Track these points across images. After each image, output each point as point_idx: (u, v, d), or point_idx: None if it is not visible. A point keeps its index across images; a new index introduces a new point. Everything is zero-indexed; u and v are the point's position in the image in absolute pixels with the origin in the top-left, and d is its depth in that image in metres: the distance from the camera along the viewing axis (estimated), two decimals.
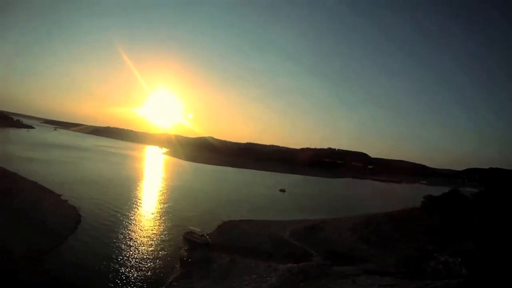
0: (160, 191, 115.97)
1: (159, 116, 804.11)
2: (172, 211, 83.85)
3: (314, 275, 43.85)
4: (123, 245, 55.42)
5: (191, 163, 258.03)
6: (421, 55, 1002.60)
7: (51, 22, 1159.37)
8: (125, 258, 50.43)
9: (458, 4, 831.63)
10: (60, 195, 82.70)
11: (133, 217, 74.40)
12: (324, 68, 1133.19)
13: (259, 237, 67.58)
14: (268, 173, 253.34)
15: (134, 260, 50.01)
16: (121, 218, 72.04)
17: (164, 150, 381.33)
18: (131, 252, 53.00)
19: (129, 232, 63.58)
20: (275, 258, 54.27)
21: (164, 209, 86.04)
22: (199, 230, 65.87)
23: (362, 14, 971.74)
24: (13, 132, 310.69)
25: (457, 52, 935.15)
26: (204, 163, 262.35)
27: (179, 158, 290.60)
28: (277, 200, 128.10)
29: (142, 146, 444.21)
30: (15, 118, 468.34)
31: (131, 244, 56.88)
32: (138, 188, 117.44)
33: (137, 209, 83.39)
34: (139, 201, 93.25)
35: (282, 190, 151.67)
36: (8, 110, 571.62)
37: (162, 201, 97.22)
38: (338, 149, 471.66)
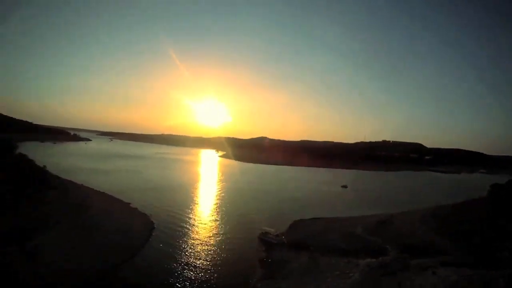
0: (226, 193, 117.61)
1: (210, 120, 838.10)
2: (241, 213, 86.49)
3: (394, 269, 45.60)
4: (199, 250, 57.40)
5: (249, 164, 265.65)
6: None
7: (96, 32, 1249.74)
8: (204, 263, 51.94)
9: None
10: (129, 203, 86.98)
11: (205, 221, 76.66)
12: (375, 64, 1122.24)
13: (332, 234, 69.87)
14: (324, 169, 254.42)
15: (213, 264, 51.44)
16: (193, 222, 74.63)
17: (220, 153, 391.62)
18: (209, 257, 54.46)
19: (203, 236, 65.50)
20: (352, 254, 55.98)
21: (233, 211, 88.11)
22: (273, 230, 68.80)
23: (411, 13, 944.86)
24: (72, 146, 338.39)
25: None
26: (261, 163, 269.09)
27: (236, 160, 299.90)
28: (341, 196, 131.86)
29: (197, 150, 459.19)
30: (72, 132, 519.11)
31: (207, 248, 58.57)
32: (204, 192, 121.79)
33: (207, 213, 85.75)
34: (208, 205, 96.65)
35: (344, 186, 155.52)
36: (65, 126, 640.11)
37: (230, 203, 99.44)
38: (392, 141, 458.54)
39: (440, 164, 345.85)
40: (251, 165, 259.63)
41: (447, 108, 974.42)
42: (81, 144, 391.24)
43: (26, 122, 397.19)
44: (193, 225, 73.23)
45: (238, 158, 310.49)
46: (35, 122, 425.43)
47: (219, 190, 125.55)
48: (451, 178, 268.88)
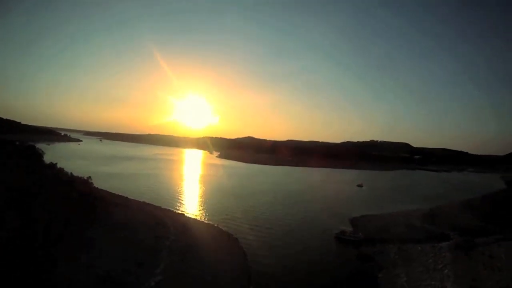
0: (262, 195, 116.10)
1: (196, 119, 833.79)
2: (291, 217, 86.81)
3: (469, 246, 55.24)
4: (289, 254, 58.06)
5: (252, 165, 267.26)
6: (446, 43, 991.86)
7: (81, 32, 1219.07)
8: (306, 266, 53.04)
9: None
10: (183, 213, 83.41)
11: (276, 227, 75.50)
12: (360, 64, 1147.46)
13: (396, 227, 76.65)
14: (325, 169, 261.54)
15: (319, 270, 52.54)
16: (266, 229, 73.01)
17: (215, 154, 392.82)
18: (306, 264, 54.41)
19: (284, 243, 64.63)
20: (423, 241, 63.17)
21: (283, 216, 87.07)
22: (350, 229, 72.86)
23: (398, 12, 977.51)
24: (65, 146, 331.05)
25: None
26: (262, 164, 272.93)
27: (235, 160, 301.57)
28: (364, 194, 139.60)
29: (189, 150, 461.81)
30: (62, 133, 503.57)
31: (295, 257, 57.37)
32: (240, 194, 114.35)
33: (265, 220, 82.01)
34: (259, 209, 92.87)
35: (360, 185, 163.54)
36: (51, 126, 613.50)
37: (277, 206, 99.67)
38: (380, 141, 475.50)
39: (429, 163, 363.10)
40: (254, 166, 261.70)
41: (432, 108, 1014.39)
42: (74, 145, 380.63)
43: (14, 121, 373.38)
44: (268, 231, 72.21)
45: (236, 158, 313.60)
46: (23, 122, 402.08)
47: (253, 192, 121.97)
48: (447, 177, 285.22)
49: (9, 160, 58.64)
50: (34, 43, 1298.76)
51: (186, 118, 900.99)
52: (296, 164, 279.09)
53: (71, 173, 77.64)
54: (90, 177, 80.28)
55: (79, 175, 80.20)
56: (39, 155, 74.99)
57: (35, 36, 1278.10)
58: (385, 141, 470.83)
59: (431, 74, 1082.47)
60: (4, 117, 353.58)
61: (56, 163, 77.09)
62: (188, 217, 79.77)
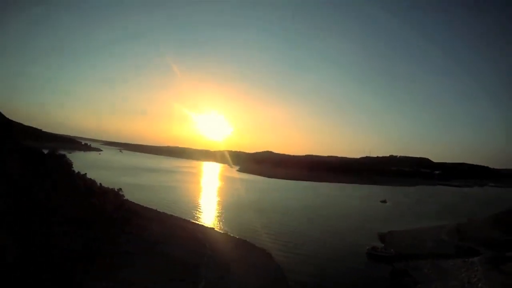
0: (293, 211, 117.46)
1: (213, 132, 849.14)
2: (319, 233, 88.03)
3: (500, 260, 59.77)
4: (330, 273, 58.35)
5: (271, 179, 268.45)
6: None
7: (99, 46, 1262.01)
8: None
9: None
10: (213, 228, 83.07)
11: (297, 243, 75.47)
12: (377, 79, 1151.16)
13: (426, 242, 78.86)
14: (345, 185, 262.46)
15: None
16: (291, 245, 73.32)
17: (235, 167, 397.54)
18: (342, 280, 55.40)
19: (317, 259, 65.27)
20: (453, 256, 66.88)
21: (311, 232, 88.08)
22: (381, 245, 74.54)
23: (415, 27, 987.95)
24: (86, 155, 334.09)
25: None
26: (283, 178, 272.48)
27: (256, 174, 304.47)
28: (389, 210, 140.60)
29: (208, 163, 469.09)
30: (83, 142, 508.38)
31: (330, 273, 58.30)
32: (268, 212, 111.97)
33: (294, 235, 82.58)
34: (284, 227, 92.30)
35: (384, 201, 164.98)
36: (69, 134, 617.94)
37: (303, 223, 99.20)
38: (399, 156, 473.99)
39: (449, 178, 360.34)
40: (275, 180, 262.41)
41: (451, 122, 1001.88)
42: (94, 154, 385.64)
43: (36, 128, 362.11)
44: (299, 247, 72.94)
45: (256, 172, 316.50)
46: (44, 129, 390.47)
47: (278, 207, 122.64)
48: (469, 192, 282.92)
49: (42, 169, 55.63)
50: (56, 52, 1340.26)
51: (205, 131, 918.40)
52: (316, 179, 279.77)
53: (100, 183, 76.98)
54: (120, 188, 79.30)
55: (109, 186, 79.60)
56: (70, 164, 70.64)
57: (53, 42, 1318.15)
58: (405, 156, 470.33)
59: (450, 89, 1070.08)
60: (25, 124, 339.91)
61: (86, 174, 77.34)
62: (219, 231, 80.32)
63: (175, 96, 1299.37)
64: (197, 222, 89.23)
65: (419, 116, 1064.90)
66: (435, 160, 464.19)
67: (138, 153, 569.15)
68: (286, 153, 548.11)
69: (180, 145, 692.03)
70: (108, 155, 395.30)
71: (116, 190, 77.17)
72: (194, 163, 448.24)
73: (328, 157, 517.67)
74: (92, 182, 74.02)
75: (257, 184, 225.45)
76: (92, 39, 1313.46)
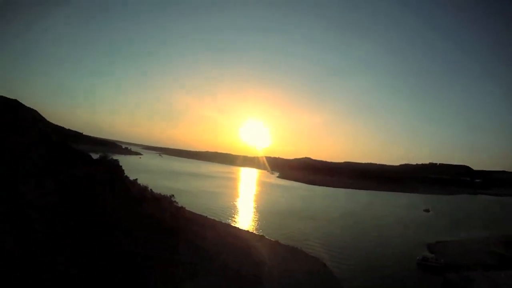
0: (344, 220, 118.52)
1: (252, 138, 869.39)
2: (368, 242, 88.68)
3: None
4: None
5: (311, 186, 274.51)
6: None
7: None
8: None
9: None
10: (263, 236, 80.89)
11: (347, 253, 75.86)
12: (414, 85, 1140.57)
13: (474, 252, 79.86)
14: (385, 193, 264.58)
15: None
16: (341, 254, 74.18)
17: (275, 173, 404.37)
18: None
19: (369, 268, 66.32)
20: (505, 267, 68.34)
21: (359, 242, 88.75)
22: (431, 255, 74.12)
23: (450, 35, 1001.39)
24: (127, 159, 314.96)
25: None
26: (324, 185, 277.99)
27: (295, 181, 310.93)
28: (432, 219, 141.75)
29: (248, 169, 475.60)
30: (123, 145, 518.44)
31: (384, 283, 59.45)
32: (314, 220, 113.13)
33: (343, 245, 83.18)
34: (332, 235, 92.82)
35: (427, 210, 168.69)
36: (109, 138, 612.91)
37: (350, 232, 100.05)
38: (439, 163, 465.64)
39: (490, 187, 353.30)
40: (315, 187, 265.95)
41: (491, 129, 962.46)
42: (135, 158, 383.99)
43: (78, 132, 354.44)
44: (349, 256, 73.61)
45: (296, 179, 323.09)
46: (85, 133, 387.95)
47: (322, 215, 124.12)
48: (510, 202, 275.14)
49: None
50: (102, 58, 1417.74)
51: (243, 137, 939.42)
52: (356, 187, 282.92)
53: (151, 189, 71.77)
54: (173, 195, 73.33)
55: (160, 192, 74.67)
56: (123, 171, 63.34)
57: (98, 47, 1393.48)
58: (444, 164, 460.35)
59: (489, 96, 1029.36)
60: (67, 127, 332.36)
61: (137, 179, 70.80)
62: (270, 239, 78.61)
63: (213, 102, 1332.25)
64: (246, 229, 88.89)
65: (457, 122, 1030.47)
66: (475, 168, 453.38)
67: (177, 158, 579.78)
68: (324, 159, 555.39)
69: (219, 151, 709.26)
70: (148, 160, 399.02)
71: (168, 196, 72.36)
72: (233, 168, 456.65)
73: (366, 164, 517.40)
74: (144, 188, 69.74)
75: (297, 191, 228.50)
76: (133, 45, 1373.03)
